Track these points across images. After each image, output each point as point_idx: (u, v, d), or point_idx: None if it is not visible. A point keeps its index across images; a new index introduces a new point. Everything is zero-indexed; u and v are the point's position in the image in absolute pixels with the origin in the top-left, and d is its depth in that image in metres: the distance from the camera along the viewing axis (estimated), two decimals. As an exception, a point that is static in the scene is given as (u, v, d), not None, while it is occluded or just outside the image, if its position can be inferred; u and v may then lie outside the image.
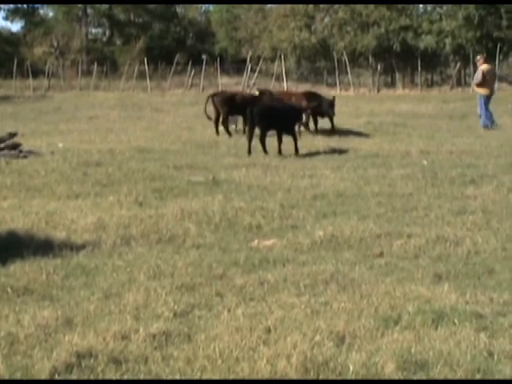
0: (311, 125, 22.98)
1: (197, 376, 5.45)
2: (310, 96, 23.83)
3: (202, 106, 23.34)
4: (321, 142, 20.35)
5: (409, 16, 51.72)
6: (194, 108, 32.72)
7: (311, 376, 5.39)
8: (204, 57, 52.98)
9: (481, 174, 14.51)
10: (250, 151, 17.93)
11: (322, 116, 23.21)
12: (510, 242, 9.22)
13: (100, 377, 5.45)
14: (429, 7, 54.26)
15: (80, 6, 68.66)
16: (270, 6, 61.11)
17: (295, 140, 18.15)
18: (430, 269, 8.13)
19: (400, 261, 8.53)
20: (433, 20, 51.63)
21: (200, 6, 66.23)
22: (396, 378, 5.29)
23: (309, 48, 53.23)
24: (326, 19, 54.54)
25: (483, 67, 24.82)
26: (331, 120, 23.17)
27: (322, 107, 22.85)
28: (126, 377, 5.45)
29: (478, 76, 24.67)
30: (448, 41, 49.53)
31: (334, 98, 23.79)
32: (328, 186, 13.30)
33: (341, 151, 18.51)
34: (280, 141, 18.01)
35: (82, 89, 51.34)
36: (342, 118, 26.15)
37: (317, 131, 22.82)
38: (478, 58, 25.75)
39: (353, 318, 6.46)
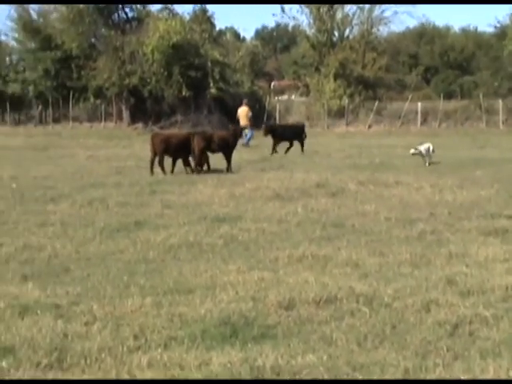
0: None
1: None
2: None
3: None
4: None
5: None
6: None
7: None
8: None
9: (59, 193, 14.39)
10: None
11: None
12: (82, 246, 9.26)
13: None
14: (14, 60, 53.03)
15: None
16: None
17: None
18: (18, 271, 7.88)
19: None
20: (18, 71, 50.75)
21: None
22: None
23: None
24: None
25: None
26: None
27: None
28: None
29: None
30: (31, 88, 49.02)
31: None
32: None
33: None
34: None
35: None
36: None
37: None
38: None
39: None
